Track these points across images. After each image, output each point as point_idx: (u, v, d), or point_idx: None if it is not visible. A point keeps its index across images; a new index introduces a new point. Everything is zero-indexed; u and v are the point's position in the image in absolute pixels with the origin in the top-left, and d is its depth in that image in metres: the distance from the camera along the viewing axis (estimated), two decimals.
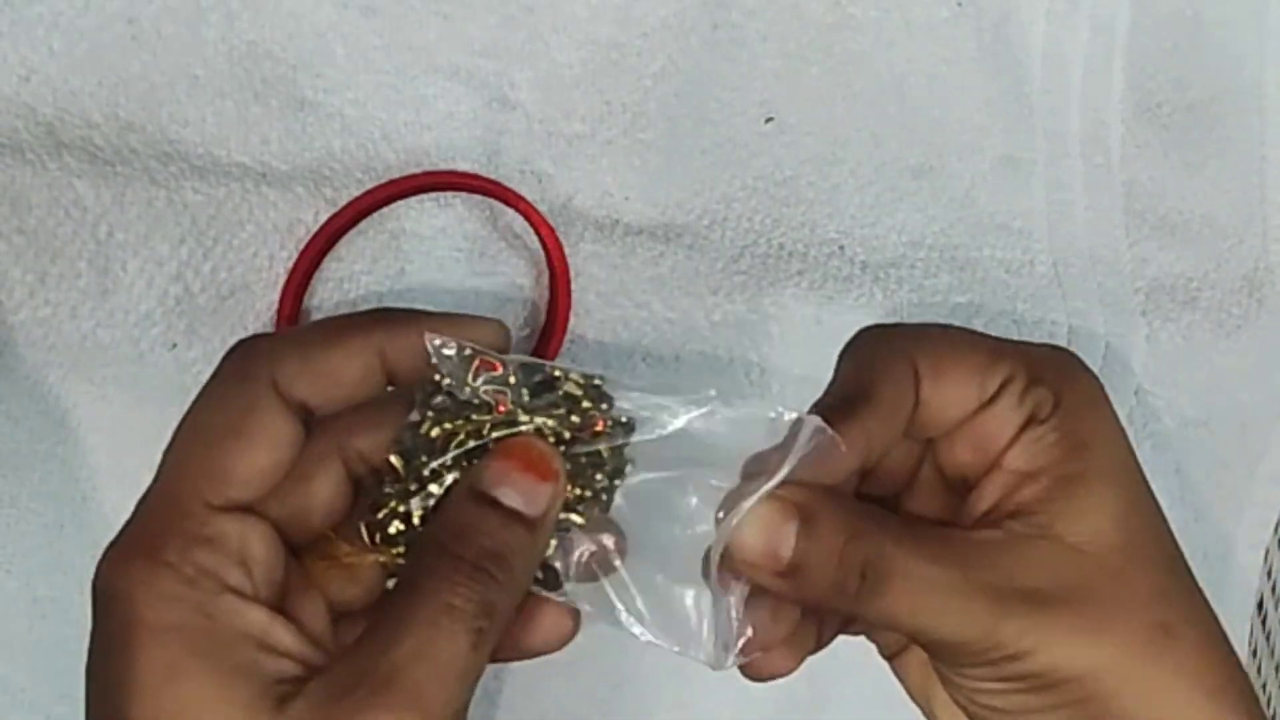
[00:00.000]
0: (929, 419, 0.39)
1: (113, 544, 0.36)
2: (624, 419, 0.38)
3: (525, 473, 0.37)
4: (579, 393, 0.38)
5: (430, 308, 0.50)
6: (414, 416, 0.38)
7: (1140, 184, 0.58)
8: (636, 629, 0.38)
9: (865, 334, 0.40)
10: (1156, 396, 0.57)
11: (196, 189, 0.49)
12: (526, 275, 0.52)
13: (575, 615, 0.38)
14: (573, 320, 0.52)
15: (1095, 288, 0.57)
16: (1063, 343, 0.56)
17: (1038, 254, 0.57)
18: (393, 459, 0.38)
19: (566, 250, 0.51)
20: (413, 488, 0.37)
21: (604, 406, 0.38)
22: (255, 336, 0.39)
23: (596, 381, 0.38)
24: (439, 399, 0.38)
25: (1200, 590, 0.38)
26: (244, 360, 0.37)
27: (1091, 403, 0.39)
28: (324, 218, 0.49)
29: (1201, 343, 0.58)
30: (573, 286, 0.51)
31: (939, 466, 0.40)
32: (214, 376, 0.38)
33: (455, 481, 0.37)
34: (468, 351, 0.38)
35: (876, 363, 0.38)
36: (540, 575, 0.38)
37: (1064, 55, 0.58)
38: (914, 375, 0.38)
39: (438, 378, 0.38)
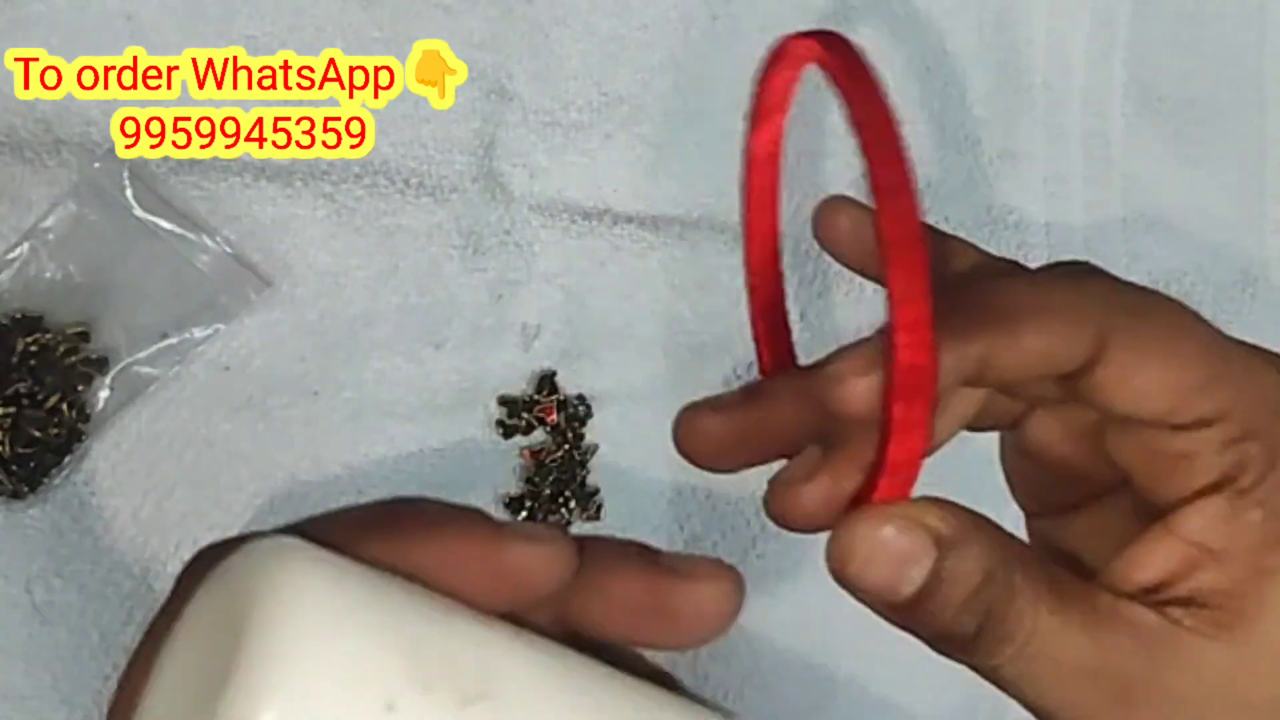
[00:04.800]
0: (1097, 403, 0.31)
1: None
2: None
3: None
4: None
5: (422, 303, 0.51)
6: None
7: (1139, 177, 0.58)
8: None
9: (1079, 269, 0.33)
10: None
11: (195, 183, 0.49)
12: (519, 271, 0.52)
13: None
14: (558, 313, 0.53)
15: None
16: None
17: (1033, 249, 0.57)
18: None
19: (556, 242, 0.52)
20: None
21: None
22: None
23: None
24: None
25: None
26: None
27: None
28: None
29: None
30: (559, 280, 0.52)
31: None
32: None
33: None
34: None
35: (1053, 300, 0.31)
36: None
37: (1066, 48, 0.58)
38: (1092, 344, 0.30)
39: None
